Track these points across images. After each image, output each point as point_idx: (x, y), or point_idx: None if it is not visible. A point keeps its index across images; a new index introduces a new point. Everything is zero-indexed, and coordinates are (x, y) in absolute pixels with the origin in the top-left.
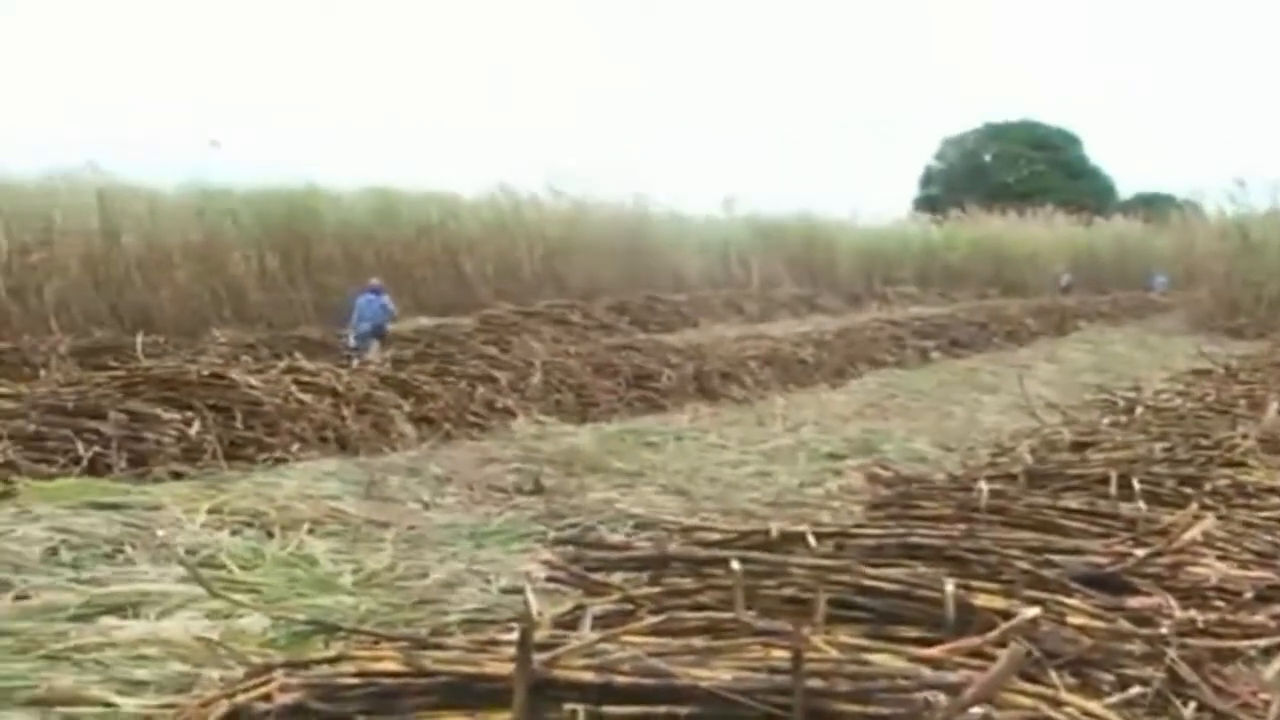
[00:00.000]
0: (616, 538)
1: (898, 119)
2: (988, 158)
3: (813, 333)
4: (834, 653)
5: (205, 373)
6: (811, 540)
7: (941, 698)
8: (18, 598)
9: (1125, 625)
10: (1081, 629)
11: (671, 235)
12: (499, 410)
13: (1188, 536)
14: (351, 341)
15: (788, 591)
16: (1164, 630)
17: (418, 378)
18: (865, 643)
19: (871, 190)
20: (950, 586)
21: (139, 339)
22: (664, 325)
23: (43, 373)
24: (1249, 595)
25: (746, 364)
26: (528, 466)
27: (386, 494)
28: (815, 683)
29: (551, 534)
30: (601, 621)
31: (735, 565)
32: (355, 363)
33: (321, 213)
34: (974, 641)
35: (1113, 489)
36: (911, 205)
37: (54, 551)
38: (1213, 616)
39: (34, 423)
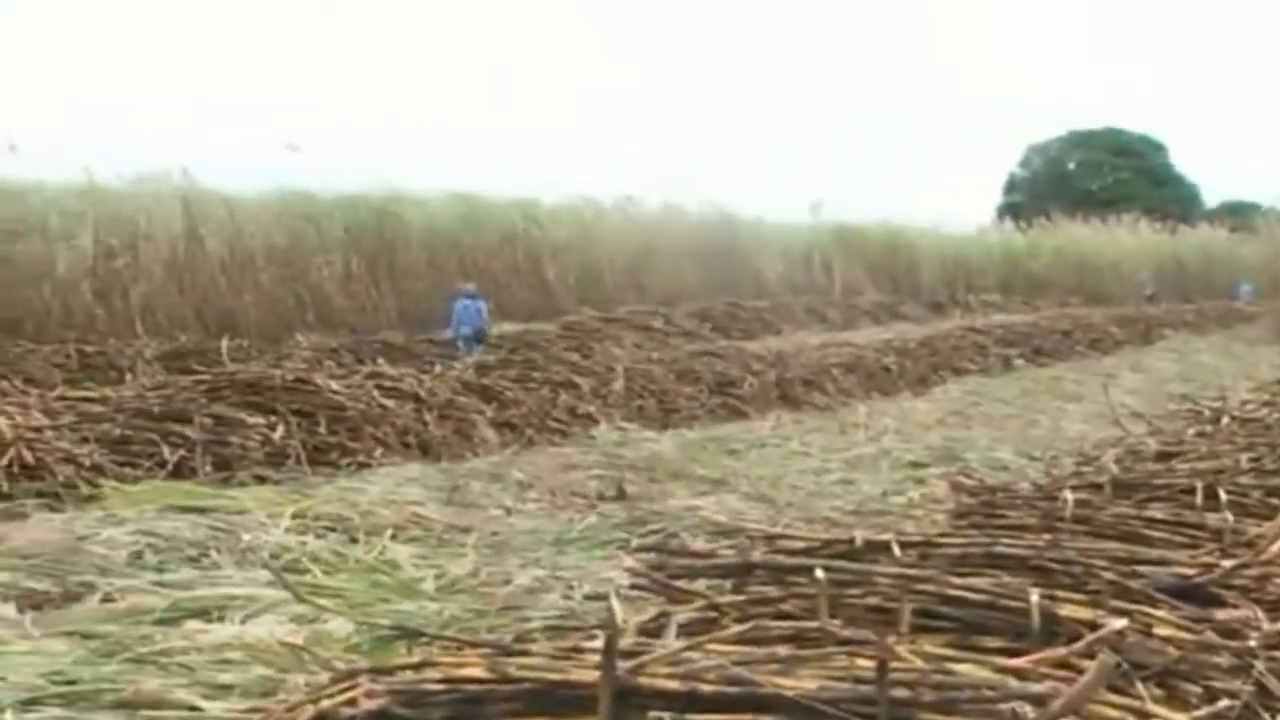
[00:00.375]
0: (700, 545)
1: (981, 126)
2: (1072, 165)
3: (895, 340)
4: (919, 662)
5: (289, 377)
6: (896, 549)
7: (1028, 709)
8: (104, 600)
9: (1212, 637)
10: (1168, 641)
11: (754, 241)
12: (581, 416)
13: (1275, 548)
14: (460, 345)
15: (872, 600)
16: (1252, 643)
17: (500, 383)
18: (950, 653)
19: (955, 198)
20: (1035, 597)
21: (224, 343)
22: (746, 332)
23: (129, 376)
24: None
25: (829, 371)
26: (610, 473)
27: (469, 500)
28: (900, 692)
29: (634, 541)
30: (686, 629)
31: (819, 574)
32: (461, 363)
33: (405, 218)
34: (1060, 652)
35: (1198, 499)
36: (995, 213)
37: (139, 555)
38: None
39: (120, 426)
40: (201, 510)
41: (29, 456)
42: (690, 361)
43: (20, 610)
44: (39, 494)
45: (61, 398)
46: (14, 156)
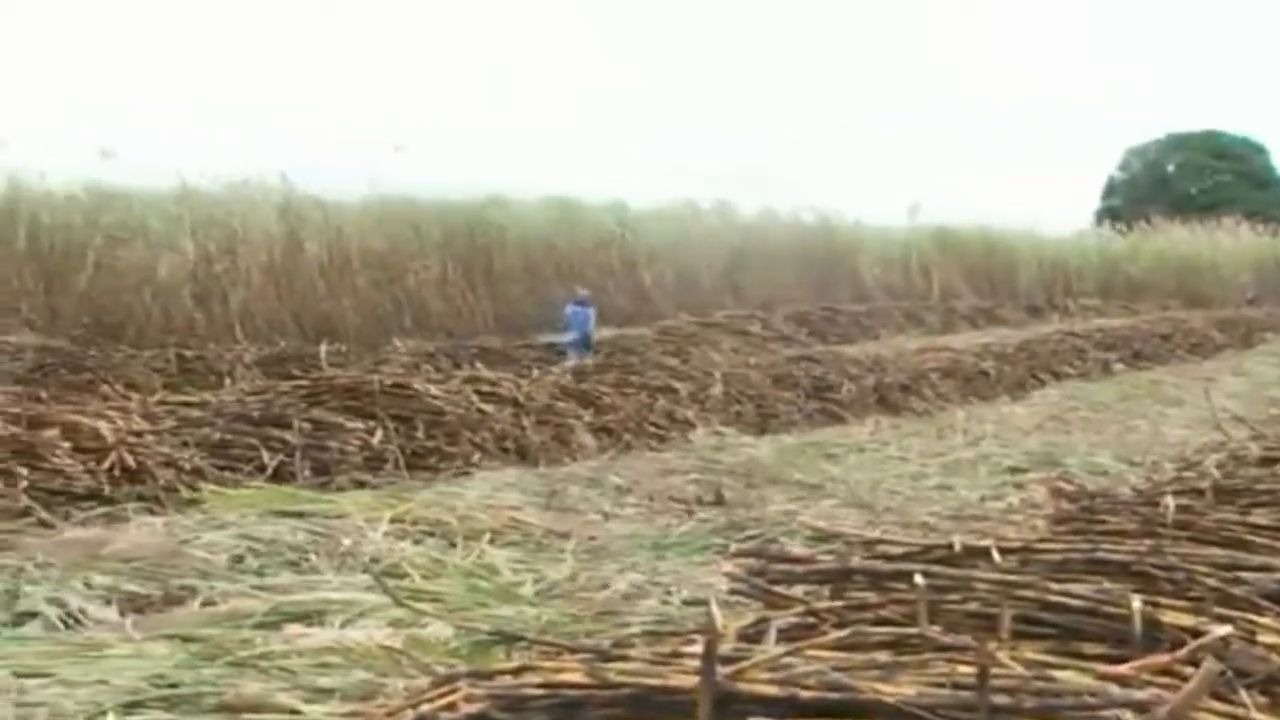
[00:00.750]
0: (798, 550)
1: (1077, 128)
2: (1171, 168)
3: (993, 344)
4: (1019, 669)
5: (387, 382)
6: (996, 555)
7: (1130, 716)
8: (205, 604)
9: None
10: (1272, 648)
11: (852, 246)
12: (679, 421)
13: None
14: (568, 350)
15: (972, 606)
16: None
17: (598, 388)
18: (1051, 659)
19: (1053, 200)
20: (1137, 603)
21: (322, 348)
22: (844, 336)
23: (228, 381)
24: None
25: (927, 376)
26: (708, 478)
27: (567, 504)
28: (1001, 699)
29: (732, 546)
30: (785, 635)
31: (919, 579)
32: (563, 367)
33: (501, 222)
34: (1162, 659)
35: None
36: (1094, 216)
37: (240, 559)
38: None
39: (220, 431)
40: (301, 514)
41: (130, 460)
42: (788, 366)
43: (122, 613)
44: (140, 498)
45: (162, 402)
46: (110, 162)
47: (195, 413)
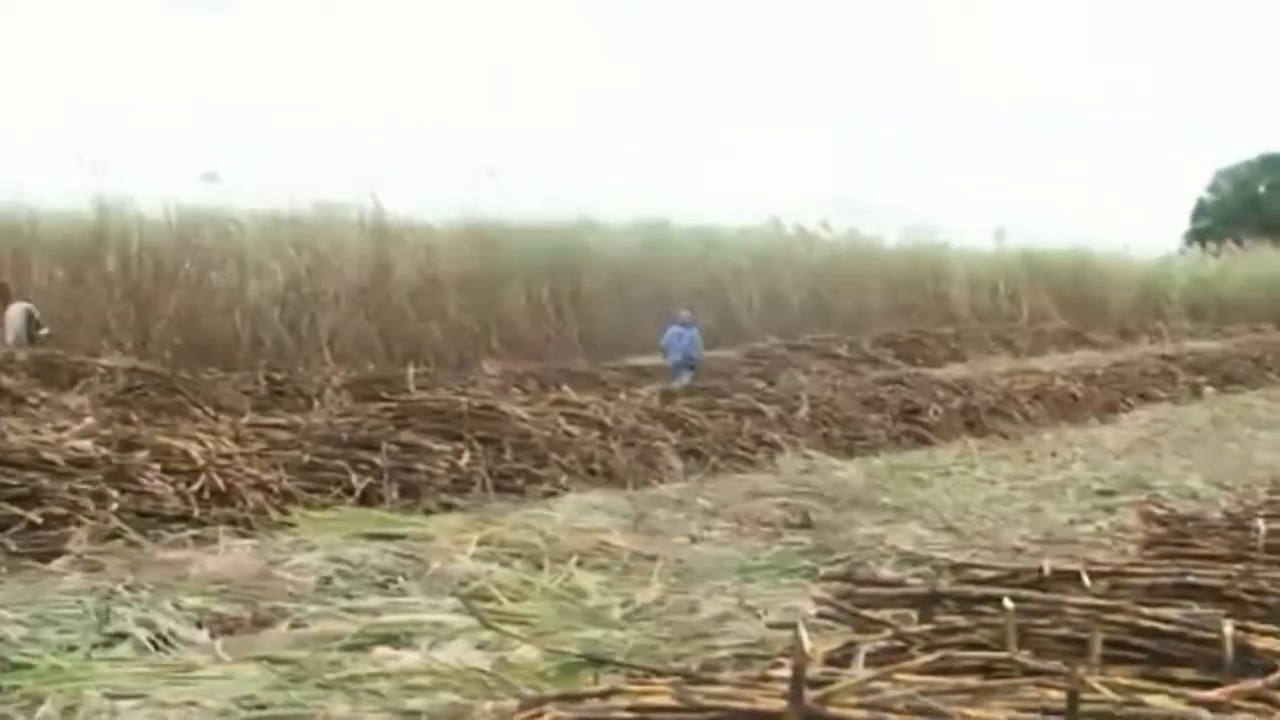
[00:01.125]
0: (886, 574)
1: (1168, 150)
2: (1262, 189)
3: (1083, 367)
4: (1110, 694)
5: (475, 404)
6: (1085, 579)
7: None
8: (294, 626)
9: None
10: None
11: (938, 268)
12: (766, 444)
13: None
14: (670, 371)
15: (1062, 631)
16: None
17: (685, 410)
18: (1142, 684)
19: (1142, 222)
20: (1229, 628)
21: (410, 371)
22: (932, 359)
23: (317, 404)
24: None
25: (1015, 399)
26: (795, 501)
27: (654, 527)
28: None
29: (820, 569)
30: (873, 659)
31: (1008, 603)
32: (678, 384)
33: (590, 245)
34: (1254, 685)
35: None
36: (1183, 238)
37: (328, 581)
38: None
39: (309, 453)
40: (389, 537)
41: (220, 483)
42: (875, 389)
43: (211, 635)
44: (229, 520)
45: (251, 425)
46: (208, 184)
47: (284, 435)
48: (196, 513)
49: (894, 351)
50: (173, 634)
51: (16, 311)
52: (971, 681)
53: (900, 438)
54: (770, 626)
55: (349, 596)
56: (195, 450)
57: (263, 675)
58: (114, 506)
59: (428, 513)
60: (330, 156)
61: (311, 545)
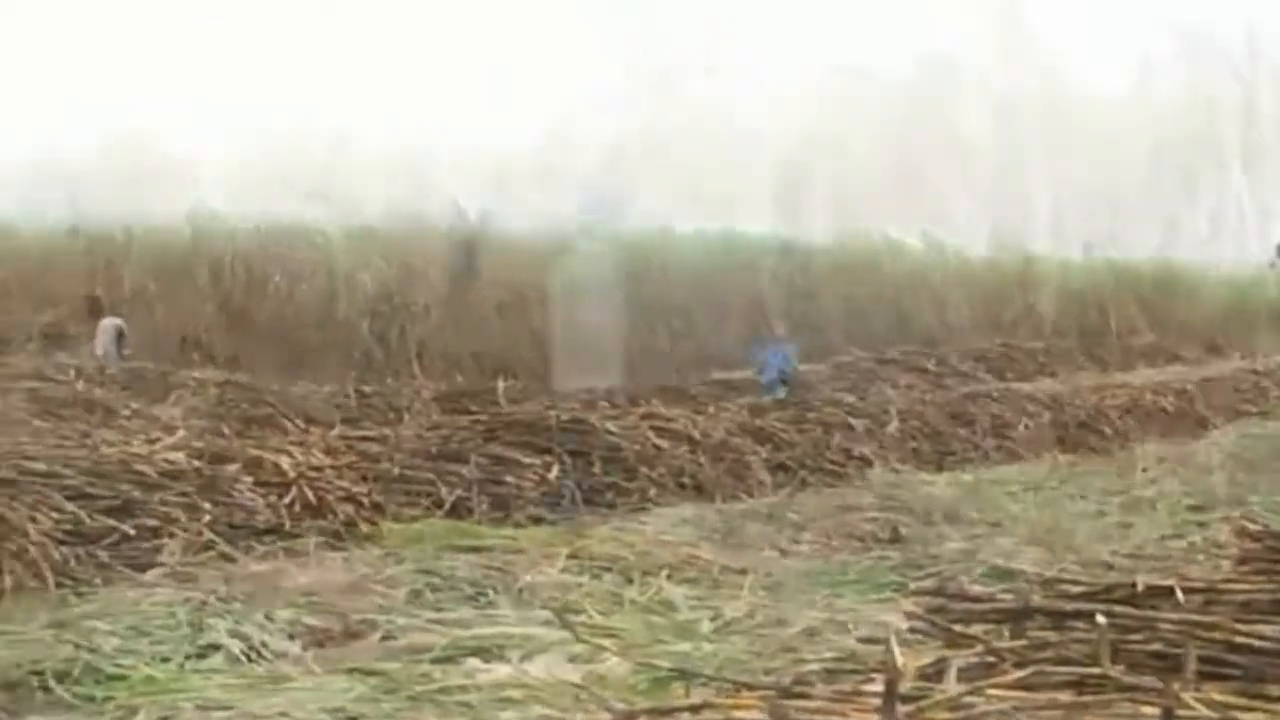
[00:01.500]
0: (977, 588)
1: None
2: None
3: (1173, 382)
4: (1205, 710)
5: (564, 418)
6: (1179, 595)
7: None
8: (384, 638)
9: None
10: None
11: (1024, 280)
12: (855, 458)
13: None
14: (765, 387)
15: (1155, 647)
16: None
17: (774, 424)
18: (1237, 700)
19: (1234, 235)
20: None
21: (500, 384)
22: (1021, 374)
23: (406, 416)
24: None
25: (1105, 413)
26: (885, 515)
27: (744, 541)
28: None
29: (910, 584)
30: (965, 674)
31: (1100, 619)
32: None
33: (672, 256)
34: None
35: None
36: (1276, 251)
37: (418, 593)
38: None
39: (399, 465)
40: (478, 549)
41: (310, 495)
42: (965, 403)
43: (304, 647)
44: (320, 532)
45: (341, 437)
46: (290, 196)
47: (374, 448)
48: (288, 525)
49: (983, 365)
50: (265, 645)
51: (108, 326)
52: (1064, 697)
53: (990, 452)
54: (860, 641)
55: (439, 609)
56: (286, 463)
57: (353, 687)
58: (206, 519)
59: (517, 526)
60: (417, 167)
61: (401, 558)
